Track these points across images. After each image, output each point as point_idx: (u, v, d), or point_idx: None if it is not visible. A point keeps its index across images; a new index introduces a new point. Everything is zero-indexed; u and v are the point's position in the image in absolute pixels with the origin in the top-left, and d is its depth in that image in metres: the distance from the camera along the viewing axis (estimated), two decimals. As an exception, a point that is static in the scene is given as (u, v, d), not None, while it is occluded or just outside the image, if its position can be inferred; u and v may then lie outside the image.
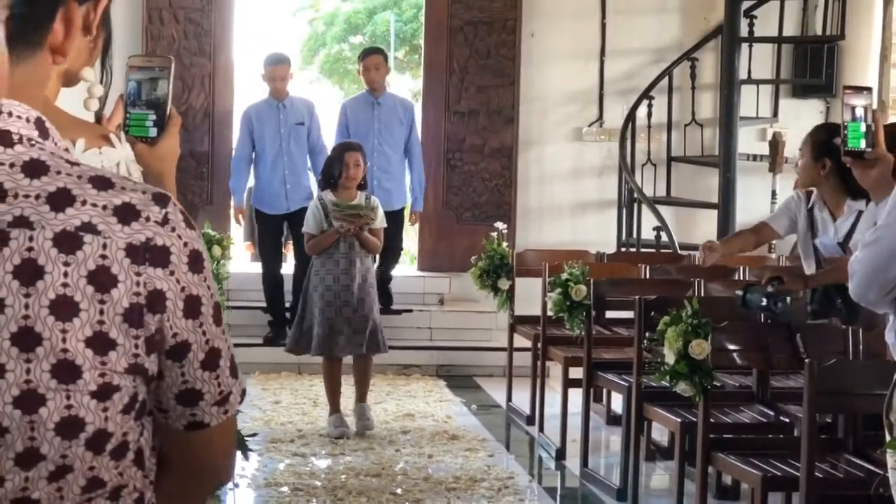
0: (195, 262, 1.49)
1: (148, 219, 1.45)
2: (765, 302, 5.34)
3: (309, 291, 7.53)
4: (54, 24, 1.51)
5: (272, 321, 9.58)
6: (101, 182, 1.46)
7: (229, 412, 1.58)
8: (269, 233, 9.69)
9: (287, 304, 9.50)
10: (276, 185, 9.51)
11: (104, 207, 1.44)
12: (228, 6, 10.55)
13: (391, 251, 9.36)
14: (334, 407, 7.52)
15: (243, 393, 1.60)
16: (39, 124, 1.49)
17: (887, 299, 3.40)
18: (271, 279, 9.54)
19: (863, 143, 3.50)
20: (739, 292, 5.59)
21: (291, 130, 9.53)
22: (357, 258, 7.45)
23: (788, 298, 5.37)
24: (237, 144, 9.81)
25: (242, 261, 9.27)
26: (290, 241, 10.65)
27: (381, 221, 7.56)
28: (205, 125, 10.46)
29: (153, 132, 2.21)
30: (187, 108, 10.37)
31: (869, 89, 3.68)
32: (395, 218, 9.29)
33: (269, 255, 9.65)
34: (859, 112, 3.52)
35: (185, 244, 1.48)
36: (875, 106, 3.59)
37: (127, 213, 1.45)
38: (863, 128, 3.50)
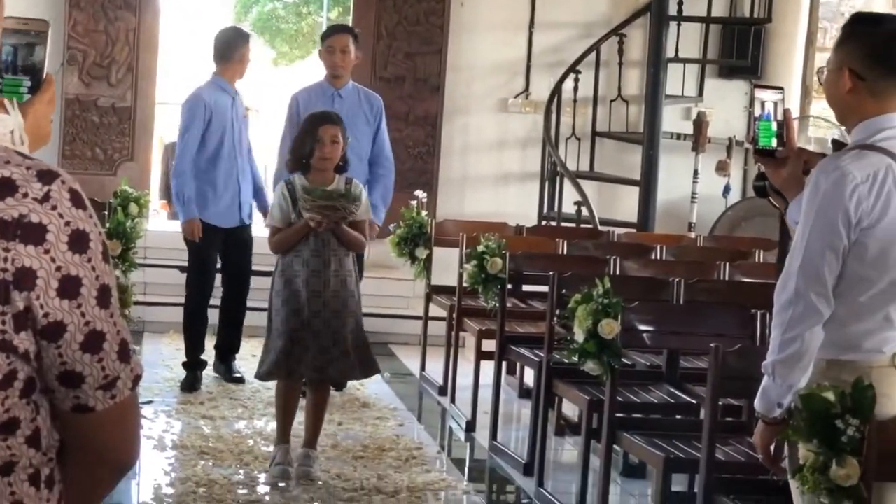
0: (77, 241, 1.46)
1: (26, 195, 1.44)
2: None
3: (272, 298, 6.07)
4: None
5: (187, 363, 7.77)
6: None
7: (117, 397, 1.55)
8: (208, 251, 7.74)
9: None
10: (231, 193, 7.73)
11: None
12: (156, -40, 10.38)
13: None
14: (282, 437, 6.10)
15: (136, 378, 1.58)
16: None
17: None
18: (197, 312, 7.79)
19: (774, 142, 3.50)
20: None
21: (242, 125, 7.83)
22: (332, 258, 5.94)
23: None
24: (187, 139, 7.65)
25: (159, 219, 9.03)
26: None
27: (364, 212, 6.08)
28: (128, 80, 10.32)
29: (27, 98, 2.08)
30: (111, 63, 10.24)
31: (781, 88, 3.67)
32: None
33: (200, 279, 7.80)
34: (769, 108, 3.51)
35: (67, 223, 1.45)
36: (787, 104, 3.57)
37: (3, 188, 1.43)
38: (774, 126, 3.50)
